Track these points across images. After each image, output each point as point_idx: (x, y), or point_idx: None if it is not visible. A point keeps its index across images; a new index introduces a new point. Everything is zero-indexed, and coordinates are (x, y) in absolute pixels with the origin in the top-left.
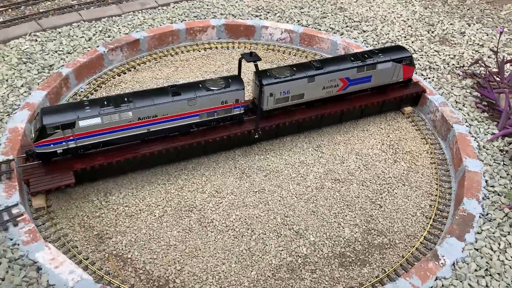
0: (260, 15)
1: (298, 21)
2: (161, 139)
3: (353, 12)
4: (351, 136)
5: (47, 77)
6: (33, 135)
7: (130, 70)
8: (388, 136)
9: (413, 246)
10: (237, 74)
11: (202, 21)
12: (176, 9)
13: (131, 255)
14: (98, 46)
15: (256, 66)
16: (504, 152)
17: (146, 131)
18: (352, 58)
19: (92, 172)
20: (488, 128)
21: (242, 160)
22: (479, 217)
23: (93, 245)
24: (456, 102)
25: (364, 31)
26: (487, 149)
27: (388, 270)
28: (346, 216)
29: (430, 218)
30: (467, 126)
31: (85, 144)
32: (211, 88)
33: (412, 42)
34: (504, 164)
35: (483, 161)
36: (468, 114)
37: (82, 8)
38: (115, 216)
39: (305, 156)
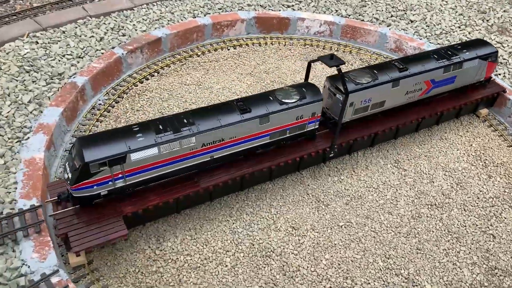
0: (293, 5)
1: (336, 11)
2: (224, 167)
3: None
4: (430, 147)
5: (59, 89)
6: (68, 175)
7: (154, 75)
8: (471, 146)
9: None
10: (304, 79)
11: (229, 13)
12: (196, 0)
13: None
14: (114, 48)
15: (339, 70)
16: None
17: (209, 158)
18: (435, 56)
19: (144, 215)
20: None
21: (313, 184)
22: None
23: None
24: None
25: (412, 21)
26: None
27: None
28: (459, 252)
29: None
30: None
31: (137, 181)
32: (285, 101)
33: (469, 33)
34: None
35: None
36: None
37: (84, 1)
38: (177, 270)
39: (386, 176)
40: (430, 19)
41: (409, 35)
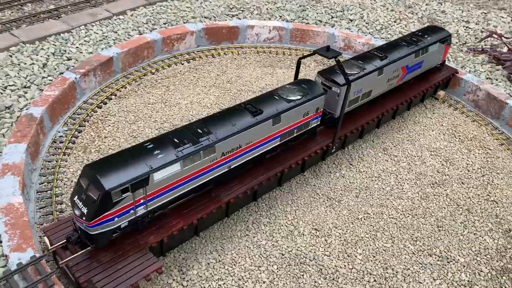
0: (237, 14)
1: (280, 16)
2: (238, 178)
3: (330, 2)
4: (409, 132)
5: (12, 123)
6: (82, 211)
7: (111, 98)
8: (442, 125)
9: None
10: (294, 78)
11: (177, 27)
12: (137, 17)
13: None
14: (62, 73)
15: (338, 61)
16: None
17: (227, 169)
18: (405, 43)
19: (168, 243)
20: None
21: (318, 183)
22: None
23: None
24: (487, 78)
25: (351, 20)
26: None
27: None
28: (474, 223)
29: None
30: None
31: (158, 205)
32: (291, 98)
33: (405, 26)
34: None
35: None
36: (510, 88)
37: (10, 27)
38: None
39: (382, 164)
40: (367, 17)
41: (354, 33)
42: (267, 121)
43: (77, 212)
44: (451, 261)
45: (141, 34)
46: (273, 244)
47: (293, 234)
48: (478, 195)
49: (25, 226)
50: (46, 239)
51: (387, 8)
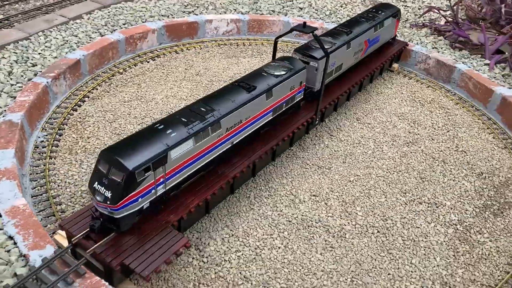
0: (193, 11)
1: (235, 9)
2: (239, 153)
3: None
4: (375, 102)
5: None
6: (106, 195)
7: (85, 101)
8: (402, 93)
9: None
10: (272, 58)
11: (138, 26)
12: (94, 20)
13: None
14: (31, 79)
15: (316, 35)
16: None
17: (230, 145)
18: (363, 19)
19: (186, 221)
20: (479, 61)
21: (306, 155)
22: None
23: None
24: (434, 48)
25: (301, 8)
26: (496, 78)
27: None
28: (451, 171)
29: (504, 139)
30: (463, 63)
31: (174, 183)
32: (278, 73)
33: (352, 9)
34: None
35: (504, 86)
36: (454, 55)
37: None
38: (236, 267)
39: (359, 131)
40: (316, 4)
41: (307, 19)
42: (261, 96)
43: (99, 198)
44: (439, 205)
45: (103, 35)
46: (278, 214)
47: (295, 202)
48: (448, 147)
49: (37, 225)
50: (58, 236)
51: None
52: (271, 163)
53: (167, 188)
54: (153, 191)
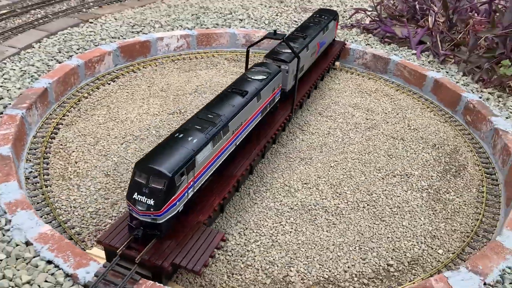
0: (140, 30)
1: (181, 25)
2: (240, 154)
3: (217, 7)
4: (330, 97)
5: None
6: (148, 203)
7: (59, 128)
8: (349, 87)
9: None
10: (245, 69)
11: (94, 49)
12: (46, 47)
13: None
14: (1, 113)
15: (287, 41)
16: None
17: (235, 146)
18: (312, 24)
19: (211, 220)
20: (407, 52)
21: (287, 150)
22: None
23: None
24: (367, 44)
25: (241, 20)
26: (424, 65)
27: None
28: (411, 146)
29: (443, 115)
30: (395, 55)
31: (199, 186)
32: (260, 78)
33: (287, 16)
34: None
35: (433, 70)
36: (385, 48)
37: None
38: (259, 254)
39: (326, 124)
40: (253, 14)
41: (250, 29)
42: (253, 99)
43: (141, 207)
44: (410, 176)
45: (61, 62)
46: (280, 204)
47: (291, 192)
48: (402, 127)
49: (71, 247)
50: (91, 253)
51: (266, 6)
52: (261, 161)
53: (194, 190)
54: (186, 194)
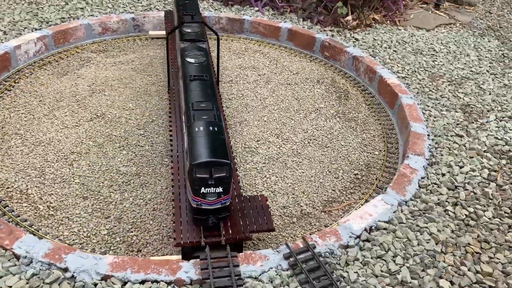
0: None
1: (25, 28)
2: None
3: (50, 2)
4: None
5: None
6: (218, 191)
7: None
8: (223, 51)
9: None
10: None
11: None
12: None
13: None
14: None
15: (205, 22)
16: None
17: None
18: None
19: None
20: (252, 10)
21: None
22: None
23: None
24: (215, 10)
25: (82, 8)
26: (272, 18)
27: None
28: (303, 85)
29: (307, 56)
30: (245, 15)
31: None
32: (203, 60)
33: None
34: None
35: (281, 21)
36: (232, 10)
37: None
38: (273, 207)
39: (234, 88)
40: (92, 1)
41: (103, 16)
42: (213, 80)
43: (211, 198)
44: (319, 109)
45: None
46: (253, 163)
47: (253, 151)
48: (288, 74)
49: (147, 261)
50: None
51: None
52: None
53: None
54: None
